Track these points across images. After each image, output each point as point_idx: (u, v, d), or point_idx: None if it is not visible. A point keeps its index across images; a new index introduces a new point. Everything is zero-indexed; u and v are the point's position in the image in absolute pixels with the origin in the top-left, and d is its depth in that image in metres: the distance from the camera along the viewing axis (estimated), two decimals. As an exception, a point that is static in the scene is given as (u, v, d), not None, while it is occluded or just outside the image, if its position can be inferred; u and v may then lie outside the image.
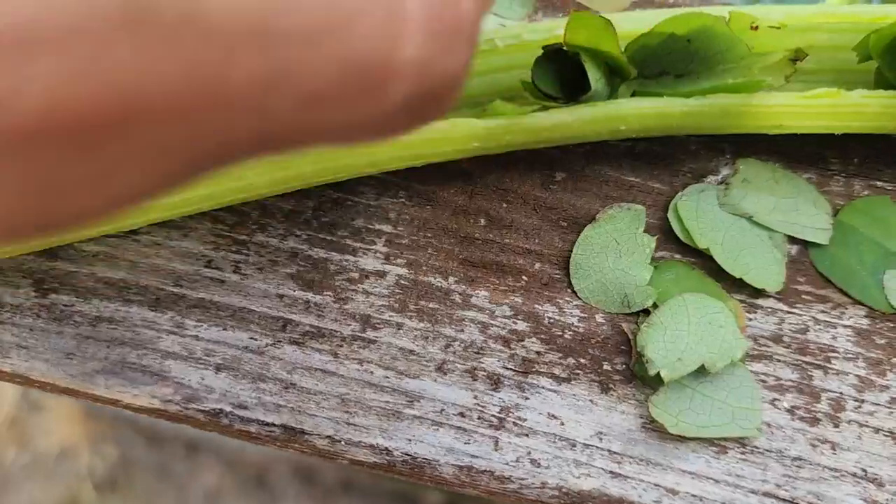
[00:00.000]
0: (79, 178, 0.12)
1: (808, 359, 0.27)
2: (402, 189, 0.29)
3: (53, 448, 0.72)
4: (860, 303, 0.27)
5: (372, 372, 0.27)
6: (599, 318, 0.27)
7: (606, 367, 0.27)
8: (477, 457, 0.26)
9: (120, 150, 0.11)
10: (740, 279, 0.27)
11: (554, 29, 0.27)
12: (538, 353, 0.27)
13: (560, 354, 0.27)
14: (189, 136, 0.12)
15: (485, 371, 0.27)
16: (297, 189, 0.27)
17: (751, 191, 0.28)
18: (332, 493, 0.70)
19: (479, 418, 0.26)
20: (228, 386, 0.26)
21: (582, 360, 0.27)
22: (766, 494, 0.25)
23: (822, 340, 0.27)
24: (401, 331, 0.27)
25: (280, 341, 0.27)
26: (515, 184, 0.29)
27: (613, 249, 0.28)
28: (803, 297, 0.28)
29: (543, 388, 0.27)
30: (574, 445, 0.26)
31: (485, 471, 0.26)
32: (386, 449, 0.26)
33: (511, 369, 0.27)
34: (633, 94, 0.27)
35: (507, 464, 0.26)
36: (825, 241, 0.28)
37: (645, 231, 0.28)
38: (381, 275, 0.28)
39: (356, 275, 0.28)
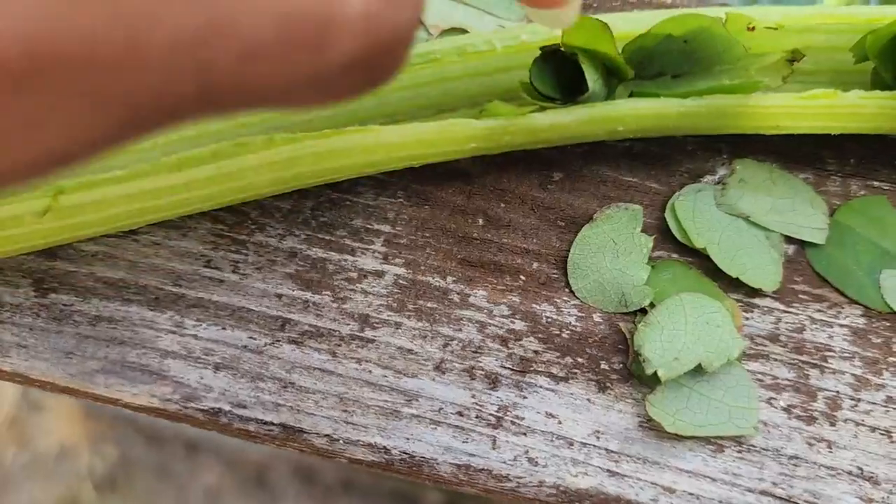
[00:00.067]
0: (6, 128, 0.12)
1: (804, 358, 0.27)
2: (400, 189, 0.29)
3: (53, 448, 0.72)
4: (856, 302, 0.28)
5: (370, 371, 0.27)
6: (597, 317, 0.28)
7: (604, 366, 0.27)
8: (475, 455, 0.26)
9: (46, 99, 0.11)
10: (737, 279, 0.27)
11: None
12: (536, 352, 0.27)
13: (558, 354, 0.27)
14: (121, 89, 0.12)
15: (483, 370, 0.27)
16: (296, 189, 0.27)
17: (748, 191, 0.28)
18: (332, 493, 0.70)
19: (476, 417, 0.26)
20: (227, 385, 0.26)
21: (579, 360, 0.27)
22: (763, 493, 0.26)
23: (819, 340, 0.27)
24: (399, 330, 0.27)
25: (279, 340, 0.27)
26: (513, 184, 0.29)
27: (611, 249, 0.28)
28: (800, 296, 0.28)
29: (541, 387, 0.27)
30: (571, 444, 0.26)
31: (482, 469, 0.26)
32: (384, 448, 0.26)
33: (509, 368, 0.27)
34: (631, 95, 0.27)
35: (504, 462, 0.26)
36: (822, 240, 0.28)
37: (642, 231, 0.28)
38: (380, 274, 0.28)
39: (354, 274, 0.28)
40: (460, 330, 0.27)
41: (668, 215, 0.29)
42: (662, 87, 0.27)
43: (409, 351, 0.27)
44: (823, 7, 0.28)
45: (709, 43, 0.26)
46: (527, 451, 0.26)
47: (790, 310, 0.28)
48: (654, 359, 0.26)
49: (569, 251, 0.28)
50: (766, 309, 0.28)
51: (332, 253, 0.28)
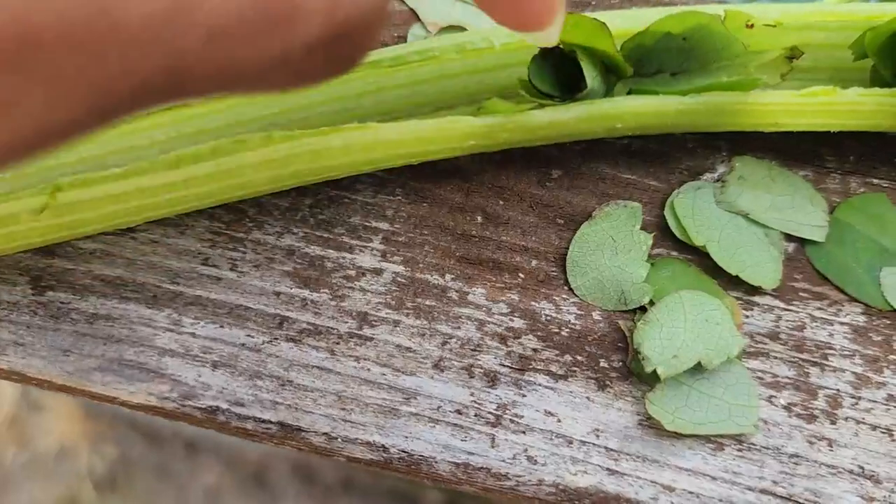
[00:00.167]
0: None
1: (804, 356, 0.27)
2: (398, 186, 0.29)
3: (53, 447, 0.72)
4: (857, 300, 0.28)
5: (369, 369, 0.27)
6: (596, 315, 0.27)
7: (603, 364, 0.27)
8: (473, 454, 0.26)
9: (14, 80, 0.11)
10: (737, 276, 0.27)
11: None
12: (535, 350, 0.27)
13: (557, 352, 0.27)
14: (90, 71, 0.12)
15: (481, 368, 0.27)
16: (294, 186, 0.27)
17: (747, 188, 0.28)
18: (331, 492, 0.70)
19: (475, 415, 0.26)
20: (225, 383, 0.26)
21: (578, 358, 0.27)
22: (763, 491, 0.25)
23: (819, 337, 0.27)
24: (397, 328, 0.27)
25: (277, 338, 0.27)
26: (512, 181, 0.29)
27: (610, 247, 0.28)
28: (800, 294, 0.28)
29: (540, 385, 0.27)
30: (571, 442, 0.26)
31: (481, 468, 0.26)
32: (382, 446, 0.26)
33: (508, 366, 0.27)
34: (630, 93, 0.27)
35: (503, 461, 0.26)
36: (821, 238, 0.28)
37: (641, 228, 0.28)
38: (378, 272, 0.28)
39: (353, 272, 0.28)
40: (459, 328, 0.27)
41: (667, 213, 0.28)
42: (661, 85, 0.27)
43: (408, 349, 0.27)
44: (822, 4, 0.28)
45: (707, 40, 0.26)
46: (526, 450, 0.26)
47: (790, 307, 0.28)
48: (654, 357, 0.26)
49: (568, 249, 0.28)
50: (765, 307, 0.28)
51: (331, 250, 0.28)
